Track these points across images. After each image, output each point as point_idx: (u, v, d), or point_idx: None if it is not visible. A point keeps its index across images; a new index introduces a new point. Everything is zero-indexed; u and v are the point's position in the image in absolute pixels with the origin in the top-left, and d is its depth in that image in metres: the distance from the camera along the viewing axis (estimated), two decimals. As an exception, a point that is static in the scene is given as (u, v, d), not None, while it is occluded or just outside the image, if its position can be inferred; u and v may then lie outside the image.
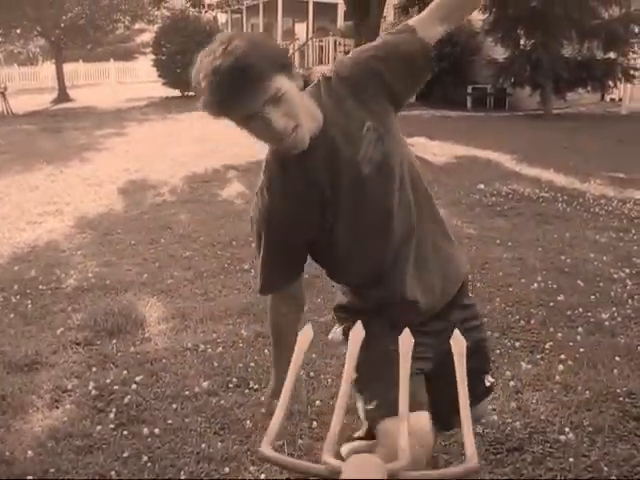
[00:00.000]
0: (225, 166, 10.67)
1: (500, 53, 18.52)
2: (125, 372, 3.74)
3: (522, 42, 18.18)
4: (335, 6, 26.05)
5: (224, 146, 12.63)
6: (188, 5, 25.47)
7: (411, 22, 1.92)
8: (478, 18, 18.91)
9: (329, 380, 3.61)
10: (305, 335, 1.15)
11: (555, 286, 4.95)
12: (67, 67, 32.39)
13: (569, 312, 4.48)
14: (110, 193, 8.90)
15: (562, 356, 3.83)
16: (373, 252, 1.98)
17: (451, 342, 1.12)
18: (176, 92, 27.25)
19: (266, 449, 0.98)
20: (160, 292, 5.10)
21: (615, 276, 5.19)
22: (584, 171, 9.55)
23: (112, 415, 3.31)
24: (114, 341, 4.19)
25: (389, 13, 20.59)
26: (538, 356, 3.87)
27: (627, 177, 9.26)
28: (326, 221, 1.91)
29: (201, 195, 8.62)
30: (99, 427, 3.22)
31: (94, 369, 3.83)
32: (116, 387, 3.57)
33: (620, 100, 19.82)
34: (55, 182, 9.75)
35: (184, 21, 26.77)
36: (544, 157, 10.79)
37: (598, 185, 8.66)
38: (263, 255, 2.00)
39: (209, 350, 4.01)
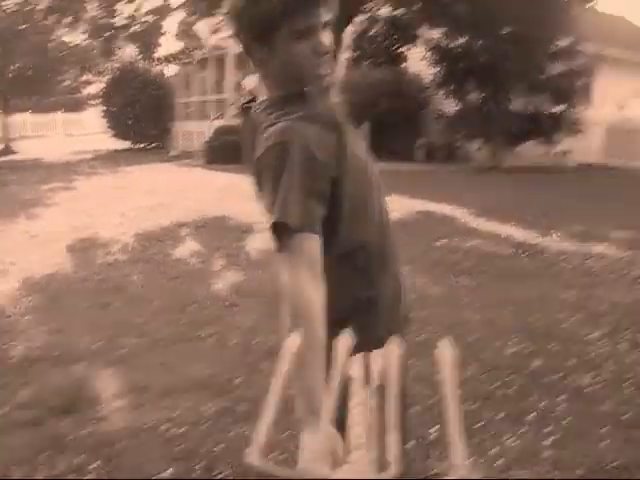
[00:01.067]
0: (178, 222, 10.38)
1: (450, 106, 18.70)
2: (78, 458, 3.42)
3: (472, 96, 18.39)
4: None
5: (174, 199, 12.43)
6: (138, 57, 25.36)
7: None
8: (428, 72, 19.15)
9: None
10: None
11: (529, 350, 4.77)
12: (15, 118, 31.95)
13: (547, 379, 4.30)
14: (58, 252, 8.55)
15: (547, 429, 3.63)
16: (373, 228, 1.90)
17: (436, 352, 1.01)
18: (126, 144, 27.04)
19: (254, 458, 0.88)
20: (114, 363, 4.78)
21: (589, 337, 5.05)
22: (542, 225, 9.52)
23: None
24: (65, 421, 3.86)
25: (340, 68, 20.63)
26: (522, 429, 3.65)
27: (584, 230, 9.24)
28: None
29: (154, 254, 8.32)
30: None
31: (43, 454, 3.50)
32: (69, 476, 3.25)
33: (566, 153, 20.13)
34: (1, 239, 9.36)
35: (134, 73, 26.67)
36: (500, 212, 10.75)
37: (557, 240, 8.61)
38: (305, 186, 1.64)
39: (171, 430, 3.70)
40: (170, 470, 3.27)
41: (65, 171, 18.90)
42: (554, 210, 11.02)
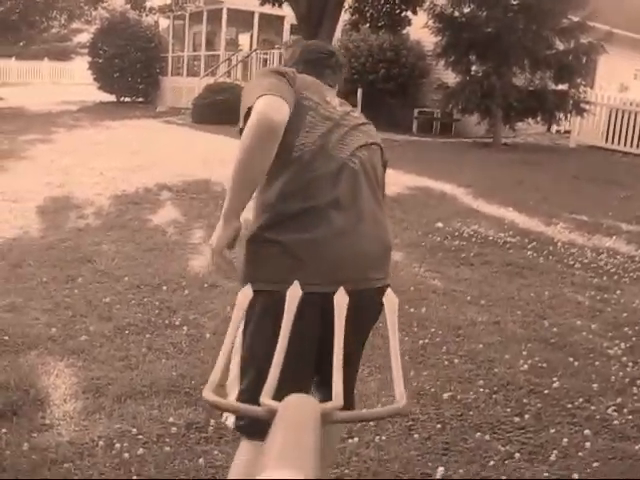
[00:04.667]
0: (158, 185, 9.71)
1: (450, 78, 17.98)
2: (12, 484, 2.82)
3: (474, 68, 17.69)
4: (282, 19, 25.26)
5: (157, 159, 11.71)
6: (128, 7, 24.38)
7: None
8: (428, 40, 18.40)
9: None
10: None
11: (545, 365, 4.20)
12: (-1, 64, 30.95)
13: (568, 404, 3.73)
14: (27, 212, 7.88)
15: (575, 475, 3.06)
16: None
17: (384, 300, 1.16)
18: (112, 97, 26.16)
19: (208, 394, 0.99)
20: (71, 353, 4.16)
21: (610, 352, 4.48)
22: (545, 212, 8.95)
23: None
24: (3, 430, 3.24)
25: (338, 30, 19.83)
26: (545, 474, 3.08)
27: (591, 221, 8.68)
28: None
29: (129, 220, 7.66)
30: None
31: (-29, 475, 2.90)
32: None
33: (566, 132, 19.51)
34: (-35, 195, 8.67)
35: (124, 24, 25.65)
36: (501, 193, 10.16)
37: (563, 229, 8.03)
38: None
39: (126, 452, 3.09)
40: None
41: (46, 122, 18.05)
42: (556, 194, 10.43)
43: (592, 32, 16.85)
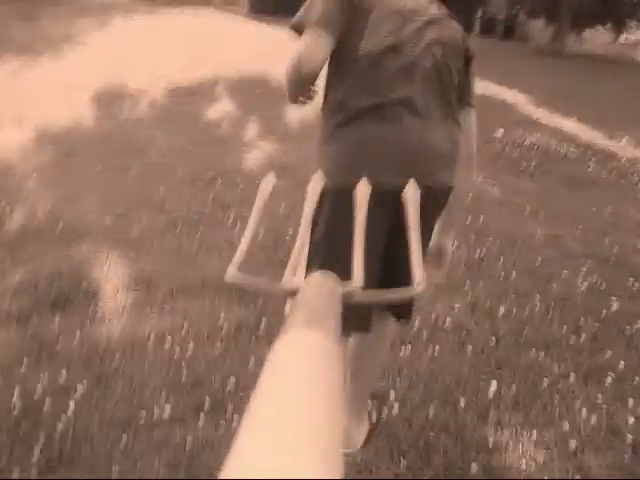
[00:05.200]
0: (213, 78, 9.55)
1: (518, -22, 17.25)
2: (64, 372, 2.83)
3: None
4: None
5: (215, 51, 11.51)
6: None
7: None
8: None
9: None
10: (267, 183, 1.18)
11: (604, 285, 4.07)
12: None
13: (627, 327, 3.62)
14: (81, 100, 7.82)
15: (630, 401, 2.98)
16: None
17: (404, 192, 1.15)
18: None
19: (232, 274, 1.00)
20: (123, 245, 4.15)
21: (672, 275, 4.34)
22: (609, 126, 8.63)
23: (38, 449, 2.42)
24: (56, 318, 3.25)
25: None
26: (599, 398, 3.00)
27: (657, 137, 8.36)
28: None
29: (183, 113, 7.57)
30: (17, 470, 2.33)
31: (24, 362, 2.91)
32: (47, 405, 2.65)
33: (635, 45, 18.74)
34: (21, 79, 8.62)
35: None
36: (563, 103, 9.81)
37: (627, 145, 7.75)
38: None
39: (176, 348, 3.09)
40: (169, 408, 2.67)
41: (102, 7, 17.81)
42: (621, 109, 10.05)
43: None
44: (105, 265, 3.85)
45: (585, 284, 4.02)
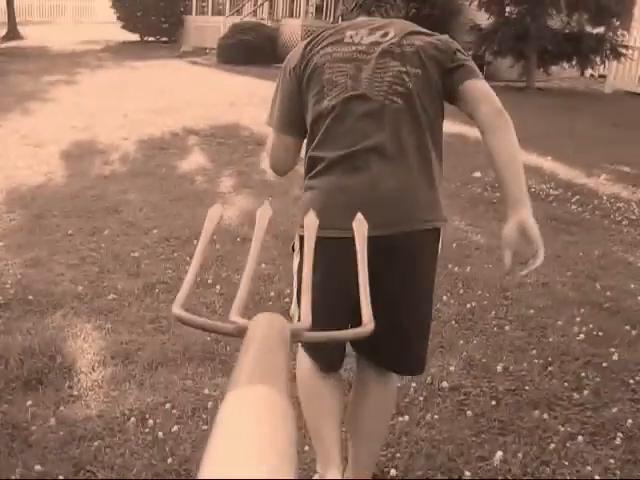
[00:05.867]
0: (185, 129, 9.43)
1: (483, 19, 17.37)
2: (37, 466, 2.61)
3: (508, 9, 17.08)
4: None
5: (184, 102, 11.38)
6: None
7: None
8: (461, -22, 17.80)
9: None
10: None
11: (600, 333, 3.93)
12: (20, 2, 30.37)
13: (629, 379, 3.47)
14: (51, 157, 7.64)
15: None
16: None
17: (353, 225, 1.12)
18: (135, 37, 25.70)
19: (177, 310, 0.95)
20: (99, 313, 3.95)
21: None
22: (586, 161, 8.58)
23: None
24: (29, 402, 3.04)
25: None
26: (611, 461, 2.83)
27: (634, 172, 8.32)
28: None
29: (156, 167, 7.40)
30: None
31: (-5, 452, 2.70)
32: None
33: (601, 77, 18.91)
34: (-12, 139, 8.44)
35: (147, -40, 25.01)
36: (538, 141, 9.75)
37: (606, 181, 7.69)
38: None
39: (159, 428, 2.88)
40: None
41: (70, 62, 17.69)
42: (595, 143, 10.03)
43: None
44: (80, 337, 3.65)
45: (582, 335, 3.87)
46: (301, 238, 2.00)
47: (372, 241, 1.60)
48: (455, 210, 6.04)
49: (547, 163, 8.43)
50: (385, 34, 2.20)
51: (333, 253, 1.82)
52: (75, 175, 6.99)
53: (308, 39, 2.29)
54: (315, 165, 2.16)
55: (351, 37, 2.21)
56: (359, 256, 1.06)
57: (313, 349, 2.25)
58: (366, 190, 2.07)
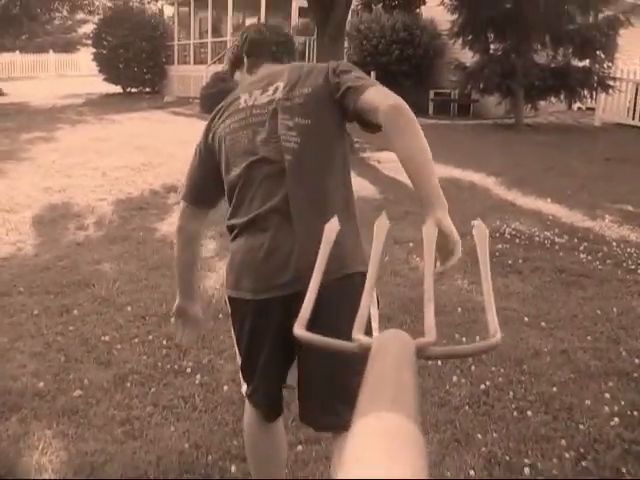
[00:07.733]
0: (165, 186, 9.00)
1: (468, 57, 17.12)
2: None
3: (493, 46, 16.86)
4: (290, 1, 24.37)
5: (166, 157, 10.98)
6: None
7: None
8: (443, 18, 17.58)
9: None
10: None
11: (635, 413, 3.45)
12: (3, 58, 30.21)
13: (677, 472, 2.99)
14: (22, 223, 7.17)
15: None
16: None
17: (473, 231, 1.14)
18: (118, 88, 25.45)
19: (299, 331, 0.99)
20: (62, 415, 3.44)
21: None
22: (586, 202, 8.20)
23: None
24: None
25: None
26: None
27: (637, 210, 7.91)
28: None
29: (133, 230, 6.94)
30: None
31: None
32: None
33: (589, 109, 18.66)
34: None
35: (127, 13, 24.88)
36: (534, 181, 9.41)
37: (612, 223, 7.26)
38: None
39: None
40: None
41: (50, 118, 17.32)
42: (592, 180, 9.67)
43: (615, 5, 16.00)
44: (39, 449, 3.15)
45: (616, 419, 3.37)
46: (229, 299, 2.29)
47: (276, 302, 2.08)
48: (455, 267, 5.57)
49: (547, 205, 8.02)
50: (276, 89, 2.22)
51: (243, 314, 2.21)
52: (46, 243, 6.52)
53: (212, 114, 2.38)
54: (231, 232, 2.26)
55: (245, 102, 2.28)
56: (481, 260, 1.08)
57: (254, 399, 2.36)
58: (266, 251, 2.11)
